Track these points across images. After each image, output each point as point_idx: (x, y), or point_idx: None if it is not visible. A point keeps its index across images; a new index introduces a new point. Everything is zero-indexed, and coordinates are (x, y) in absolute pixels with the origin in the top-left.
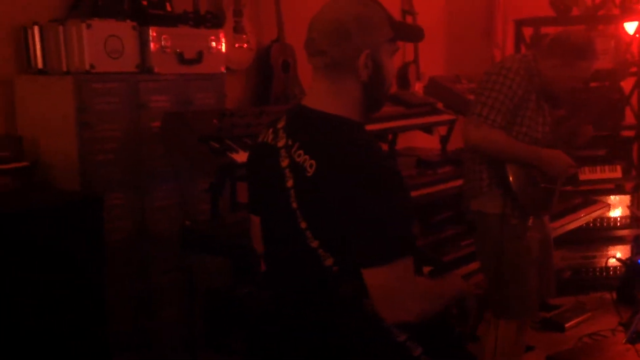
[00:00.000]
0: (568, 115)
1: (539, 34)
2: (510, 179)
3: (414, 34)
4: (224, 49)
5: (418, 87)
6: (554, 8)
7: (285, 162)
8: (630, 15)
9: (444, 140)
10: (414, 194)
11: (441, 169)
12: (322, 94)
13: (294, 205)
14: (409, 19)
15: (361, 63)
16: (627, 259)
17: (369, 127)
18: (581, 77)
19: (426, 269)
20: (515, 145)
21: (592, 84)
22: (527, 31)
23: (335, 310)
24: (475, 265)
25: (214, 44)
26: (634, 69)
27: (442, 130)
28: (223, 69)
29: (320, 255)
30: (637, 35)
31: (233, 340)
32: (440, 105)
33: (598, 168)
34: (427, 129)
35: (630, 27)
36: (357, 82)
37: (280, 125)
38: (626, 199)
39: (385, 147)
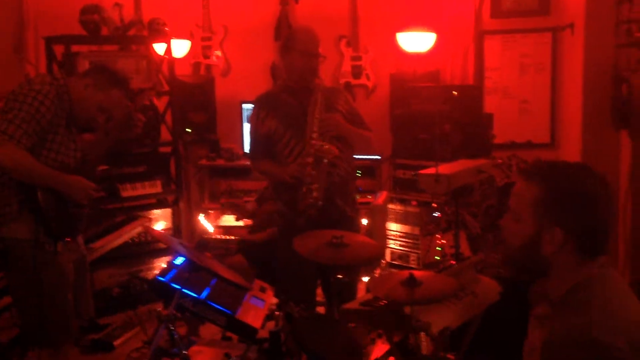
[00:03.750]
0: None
1: (70, 52)
2: (41, 203)
3: None
4: None
5: None
6: (83, 27)
7: None
8: (158, 37)
9: None
10: None
11: None
12: None
13: None
14: None
15: None
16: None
17: None
18: (111, 106)
19: None
20: (39, 169)
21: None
22: (59, 49)
23: None
24: (9, 300)
25: None
26: (166, 88)
27: None
28: None
29: None
30: (166, 56)
31: None
32: None
33: (138, 184)
34: None
35: (159, 48)
36: None
37: None
38: (168, 212)
39: None
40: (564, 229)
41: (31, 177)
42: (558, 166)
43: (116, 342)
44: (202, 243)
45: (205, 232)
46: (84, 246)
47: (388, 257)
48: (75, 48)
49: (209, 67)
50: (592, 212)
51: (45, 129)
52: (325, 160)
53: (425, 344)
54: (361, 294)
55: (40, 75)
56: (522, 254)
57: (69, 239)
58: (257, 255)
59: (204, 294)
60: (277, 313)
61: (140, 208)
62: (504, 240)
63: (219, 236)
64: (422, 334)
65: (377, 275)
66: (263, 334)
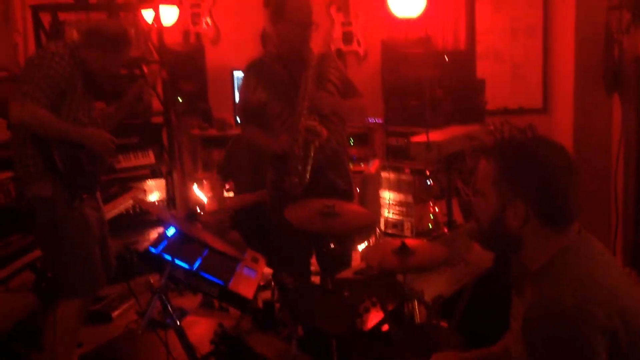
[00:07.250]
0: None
1: (57, 21)
2: (57, 160)
3: None
4: None
5: None
6: None
7: None
8: (146, 4)
9: None
10: None
11: None
12: None
13: None
14: None
15: None
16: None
17: None
18: (119, 65)
19: None
20: (59, 124)
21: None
22: (46, 17)
23: None
24: (38, 253)
25: None
26: (156, 57)
27: None
28: None
29: None
30: (154, 24)
31: None
32: None
33: (132, 155)
34: None
35: (148, 15)
36: None
37: None
38: (162, 182)
39: None
40: (523, 200)
41: (51, 131)
42: (513, 141)
43: (114, 314)
44: (192, 214)
45: (199, 202)
46: (102, 205)
47: (382, 226)
48: (62, 16)
49: (198, 35)
50: (546, 179)
51: (64, 89)
52: (316, 143)
53: (419, 312)
54: (357, 263)
55: (54, 41)
56: (492, 230)
57: (86, 195)
58: (249, 225)
59: (196, 265)
60: (272, 284)
61: (135, 179)
62: (476, 218)
63: (211, 213)
64: (416, 302)
65: (371, 244)
66: (257, 304)
